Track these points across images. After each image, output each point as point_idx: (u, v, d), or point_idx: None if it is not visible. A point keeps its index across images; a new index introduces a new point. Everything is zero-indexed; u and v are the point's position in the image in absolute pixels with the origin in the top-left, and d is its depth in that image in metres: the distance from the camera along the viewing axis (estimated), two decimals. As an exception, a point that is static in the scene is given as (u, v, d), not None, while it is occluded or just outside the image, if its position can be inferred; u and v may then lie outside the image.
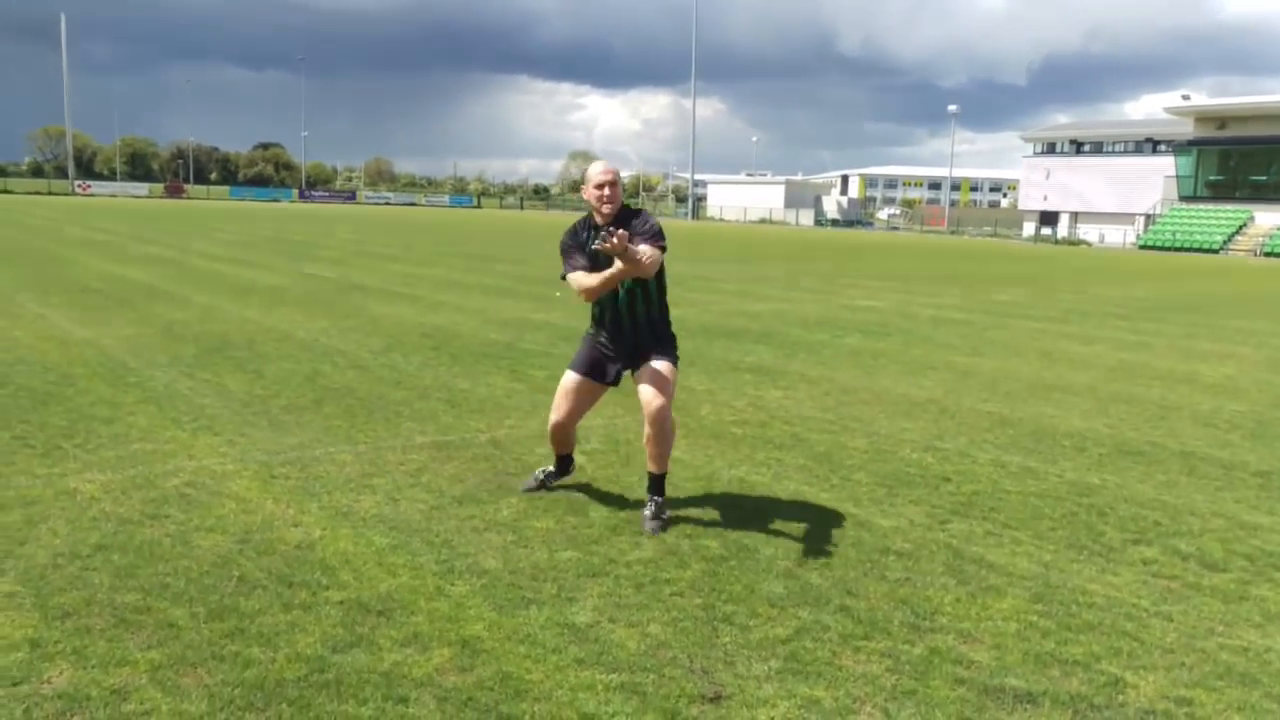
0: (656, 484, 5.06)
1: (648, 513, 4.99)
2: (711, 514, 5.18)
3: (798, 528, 5.01)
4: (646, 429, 4.98)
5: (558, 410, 5.25)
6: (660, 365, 5.02)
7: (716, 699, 3.30)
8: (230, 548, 4.48)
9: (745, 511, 5.23)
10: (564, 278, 5.08)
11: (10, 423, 6.50)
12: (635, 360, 5.09)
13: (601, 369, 5.17)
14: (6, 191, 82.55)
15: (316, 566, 4.29)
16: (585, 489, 5.52)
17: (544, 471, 5.52)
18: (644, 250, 4.71)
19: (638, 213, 5.02)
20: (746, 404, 8.05)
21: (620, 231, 4.48)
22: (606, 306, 5.10)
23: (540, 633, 3.71)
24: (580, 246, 5.02)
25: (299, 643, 3.56)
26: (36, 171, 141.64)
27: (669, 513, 5.05)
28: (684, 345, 5.48)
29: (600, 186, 4.90)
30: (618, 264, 4.66)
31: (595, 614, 3.90)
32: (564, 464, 5.54)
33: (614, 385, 5.28)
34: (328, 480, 5.53)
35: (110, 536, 4.54)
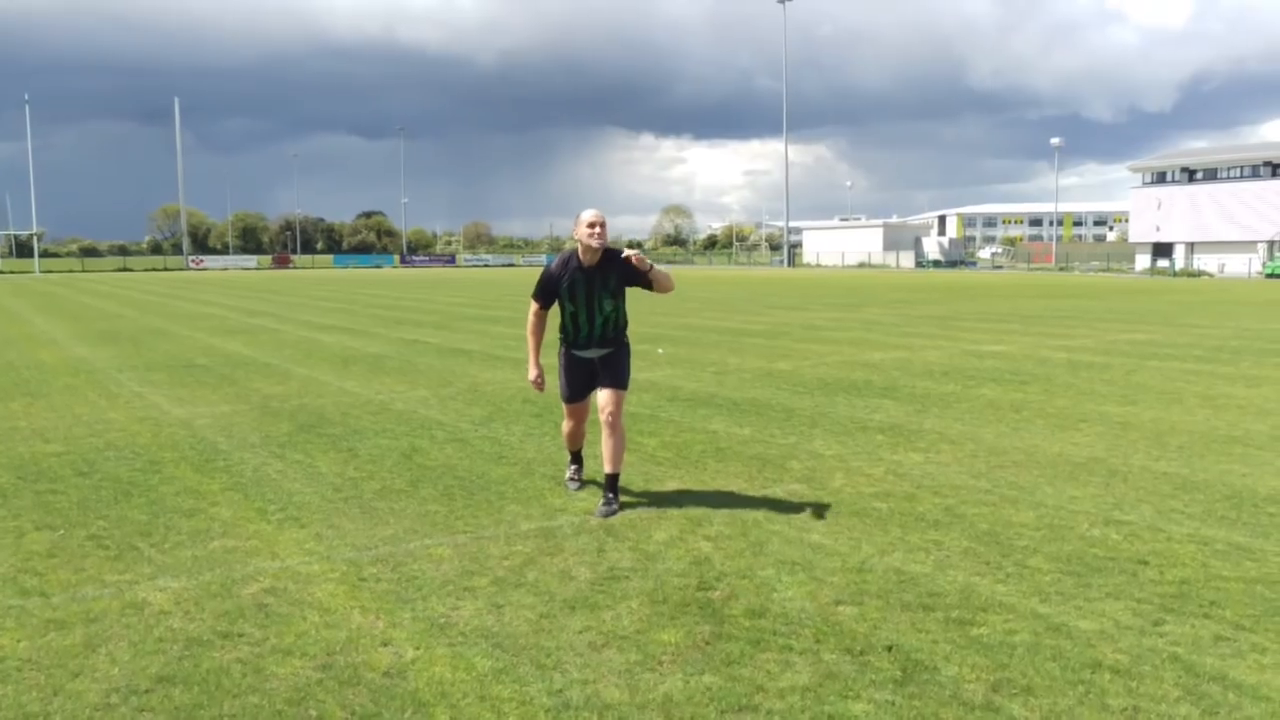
0: (611, 483, 6.15)
1: (601, 504, 6.09)
2: (872, 618, 4.34)
3: (981, 636, 4.14)
4: (604, 434, 6.15)
5: (566, 423, 6.64)
6: (615, 375, 6.22)
7: None
8: (309, 676, 3.82)
9: (913, 613, 4.37)
10: (533, 297, 6.26)
11: (89, 519, 6.03)
12: (598, 368, 6.27)
13: (583, 385, 6.39)
14: (127, 269, 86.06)
15: (408, 701, 3.59)
16: (713, 579, 4.72)
17: (572, 473, 6.79)
18: (661, 270, 6.09)
19: (618, 252, 6.03)
20: (885, 471, 7.17)
21: (640, 255, 5.94)
22: (571, 322, 6.22)
23: (682, 798, 2.93)
24: (555, 281, 6.14)
25: (383, 817, 2.85)
26: (155, 249, 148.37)
27: (619, 507, 6.07)
28: (800, 401, 5.19)
29: (591, 225, 5.93)
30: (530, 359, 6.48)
31: (748, 768, 3.10)
32: (578, 459, 6.82)
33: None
34: (423, 582, 4.87)
35: (175, 663, 3.93)
